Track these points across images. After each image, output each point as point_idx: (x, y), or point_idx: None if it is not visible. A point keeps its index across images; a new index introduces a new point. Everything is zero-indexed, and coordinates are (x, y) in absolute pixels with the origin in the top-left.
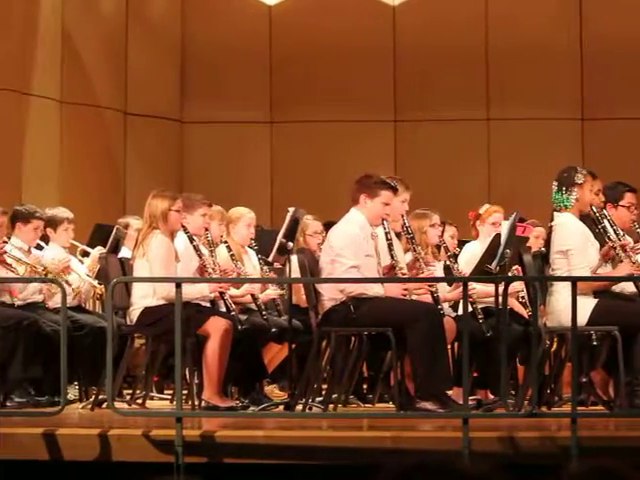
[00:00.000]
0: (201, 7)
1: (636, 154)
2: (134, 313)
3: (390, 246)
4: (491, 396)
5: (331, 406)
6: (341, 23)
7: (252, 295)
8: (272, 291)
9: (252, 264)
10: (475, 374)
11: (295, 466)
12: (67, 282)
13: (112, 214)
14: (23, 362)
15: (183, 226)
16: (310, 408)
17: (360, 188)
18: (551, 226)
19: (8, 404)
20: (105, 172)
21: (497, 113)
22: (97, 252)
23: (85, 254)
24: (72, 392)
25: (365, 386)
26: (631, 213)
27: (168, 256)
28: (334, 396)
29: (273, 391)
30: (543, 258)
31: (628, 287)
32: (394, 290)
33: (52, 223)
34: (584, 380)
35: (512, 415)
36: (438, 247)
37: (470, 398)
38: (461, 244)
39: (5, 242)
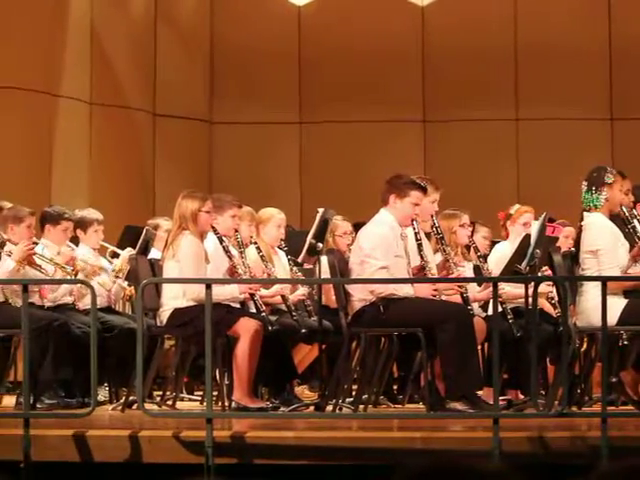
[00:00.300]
0: (230, 8)
1: None
2: (164, 314)
3: (420, 246)
4: (521, 396)
5: (361, 407)
6: (370, 24)
7: (282, 296)
8: (301, 290)
9: (282, 265)
10: (505, 375)
11: (325, 467)
12: (115, 254)
13: (141, 215)
14: (53, 364)
15: (213, 227)
16: (340, 409)
17: (390, 188)
18: (581, 226)
19: (38, 406)
20: (134, 173)
21: (526, 113)
22: (127, 253)
23: (115, 255)
24: (102, 393)
25: (395, 387)
26: None
27: (198, 257)
28: (364, 397)
29: (303, 392)
30: (573, 258)
31: None
32: (424, 291)
33: (82, 224)
34: (614, 380)
35: (542, 415)
36: (468, 247)
37: (500, 398)
38: (491, 244)
39: (35, 243)
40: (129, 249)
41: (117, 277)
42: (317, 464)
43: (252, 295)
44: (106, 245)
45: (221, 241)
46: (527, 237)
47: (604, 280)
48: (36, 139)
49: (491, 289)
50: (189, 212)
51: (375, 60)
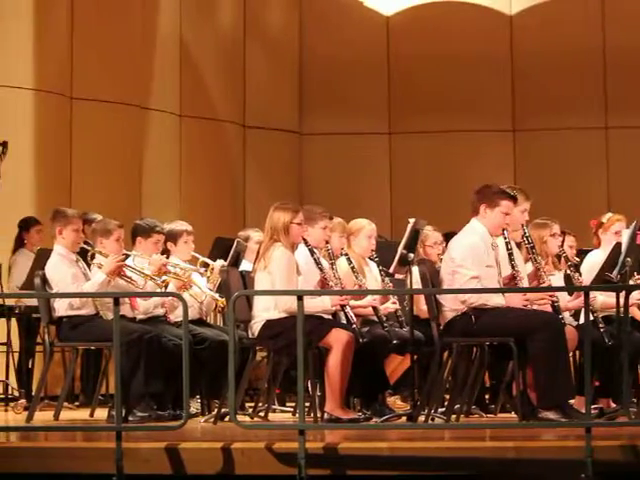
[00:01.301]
0: (319, 18)
1: None
2: (256, 326)
3: (510, 256)
4: (613, 404)
5: (453, 417)
6: (458, 33)
7: (373, 307)
8: (391, 305)
9: (373, 276)
10: (596, 383)
11: (418, 477)
12: (207, 264)
13: (232, 227)
14: (145, 376)
15: (304, 239)
16: (432, 419)
17: (480, 198)
18: None
19: (130, 418)
20: (225, 185)
21: (615, 121)
22: (218, 265)
23: (206, 266)
24: (194, 406)
25: (487, 396)
26: None
27: (290, 269)
28: (456, 407)
29: (395, 402)
30: None
31: None
32: (515, 300)
33: (172, 237)
34: None
35: (635, 423)
36: (558, 257)
37: (592, 407)
38: (582, 253)
39: (126, 255)
40: (220, 261)
41: (209, 289)
42: (410, 474)
43: (343, 306)
44: (197, 256)
45: (312, 253)
46: (618, 246)
47: None
48: (126, 151)
49: (582, 298)
50: (281, 224)
51: (464, 69)
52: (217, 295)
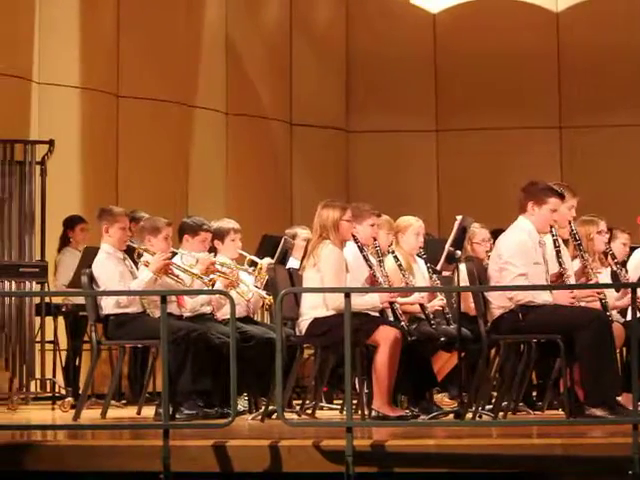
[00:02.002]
0: (365, 16)
1: None
2: (303, 324)
3: (558, 253)
4: None
5: (501, 414)
6: (505, 30)
7: (420, 305)
8: (438, 302)
9: (421, 273)
10: None
11: (466, 474)
12: (254, 262)
13: (279, 224)
14: (192, 374)
15: (354, 236)
16: (480, 416)
17: (527, 195)
18: None
19: (178, 416)
20: (271, 183)
21: None
22: (266, 263)
23: (253, 264)
24: (241, 403)
25: (534, 393)
26: None
27: (340, 266)
28: (504, 404)
29: (443, 400)
30: None
31: None
32: (562, 297)
33: (219, 235)
34: None
35: None
36: (605, 254)
37: (639, 404)
38: (630, 251)
39: (174, 253)
40: (268, 259)
41: (256, 287)
42: (457, 472)
43: (391, 304)
44: (244, 254)
45: (361, 250)
46: None
47: None
48: (173, 150)
49: (629, 296)
50: (330, 221)
51: (511, 66)
52: (264, 293)
